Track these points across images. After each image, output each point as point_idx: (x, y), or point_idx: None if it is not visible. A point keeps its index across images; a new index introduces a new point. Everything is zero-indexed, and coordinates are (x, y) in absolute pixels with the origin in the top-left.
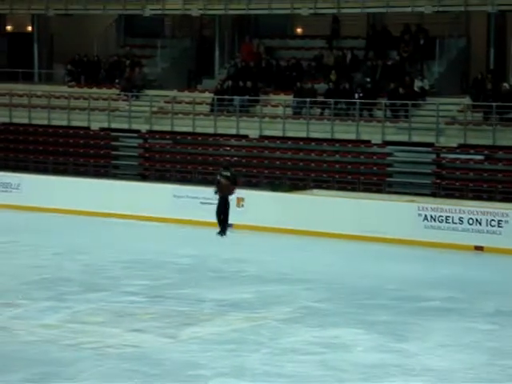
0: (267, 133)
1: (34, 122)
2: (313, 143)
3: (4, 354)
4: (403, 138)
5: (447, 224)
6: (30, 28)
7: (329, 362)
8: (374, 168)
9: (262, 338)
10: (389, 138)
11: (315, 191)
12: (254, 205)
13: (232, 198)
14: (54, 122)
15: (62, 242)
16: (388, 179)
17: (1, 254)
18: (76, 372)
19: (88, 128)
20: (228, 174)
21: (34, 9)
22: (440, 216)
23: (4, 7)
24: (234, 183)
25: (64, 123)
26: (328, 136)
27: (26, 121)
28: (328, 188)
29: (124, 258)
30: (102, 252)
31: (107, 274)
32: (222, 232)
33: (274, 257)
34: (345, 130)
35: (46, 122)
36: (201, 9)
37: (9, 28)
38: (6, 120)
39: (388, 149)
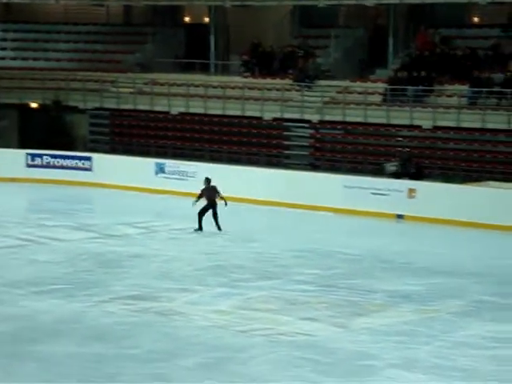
0: (441, 123)
1: (210, 111)
2: (488, 134)
3: (181, 337)
4: None
5: None
6: (207, 19)
7: (502, 356)
8: None
9: (433, 330)
10: None
11: (490, 183)
12: (426, 196)
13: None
14: (229, 112)
15: (236, 230)
16: None
17: (178, 240)
18: (248, 358)
19: (261, 118)
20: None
21: (212, 0)
22: None
23: None
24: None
25: (238, 113)
26: (504, 127)
27: (201, 110)
28: (504, 180)
29: (294, 246)
30: (273, 240)
31: (278, 263)
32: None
33: (444, 249)
34: None
35: (220, 112)
36: None
37: (187, 19)
38: (183, 110)
39: None
